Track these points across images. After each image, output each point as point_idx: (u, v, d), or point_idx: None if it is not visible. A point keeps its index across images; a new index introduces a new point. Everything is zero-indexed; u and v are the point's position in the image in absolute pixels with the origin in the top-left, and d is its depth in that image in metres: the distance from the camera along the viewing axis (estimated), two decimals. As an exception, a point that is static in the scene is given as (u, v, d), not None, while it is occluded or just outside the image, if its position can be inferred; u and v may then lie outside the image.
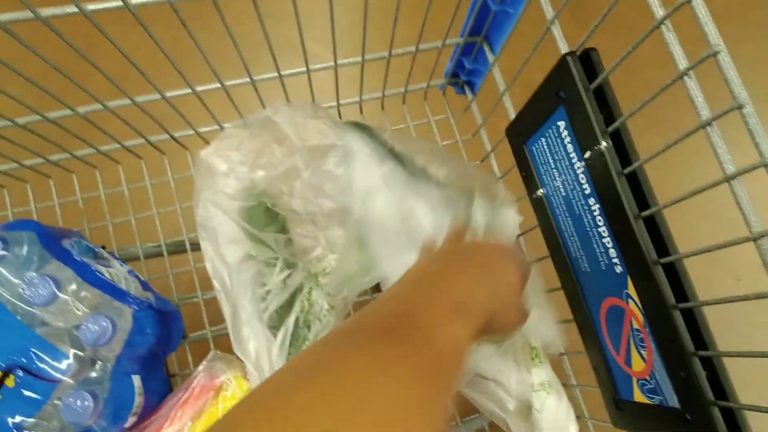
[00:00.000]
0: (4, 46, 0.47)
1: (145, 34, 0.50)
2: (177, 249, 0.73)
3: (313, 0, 0.56)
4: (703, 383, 0.40)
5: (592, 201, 0.48)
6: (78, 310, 0.50)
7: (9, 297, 0.50)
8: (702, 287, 0.41)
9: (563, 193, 0.52)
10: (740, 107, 0.31)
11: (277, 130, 0.57)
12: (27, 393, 0.49)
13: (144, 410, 0.53)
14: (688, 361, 0.40)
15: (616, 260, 0.47)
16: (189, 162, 0.74)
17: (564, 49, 0.47)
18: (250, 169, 0.58)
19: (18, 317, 0.50)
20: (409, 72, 0.71)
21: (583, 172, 0.48)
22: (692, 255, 0.40)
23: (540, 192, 0.56)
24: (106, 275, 0.54)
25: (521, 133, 0.56)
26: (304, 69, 0.65)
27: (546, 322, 0.58)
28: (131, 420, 0.52)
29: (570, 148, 0.48)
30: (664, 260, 0.42)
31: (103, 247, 0.61)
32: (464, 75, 0.74)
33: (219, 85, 0.63)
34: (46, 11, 0.46)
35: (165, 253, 0.71)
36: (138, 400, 0.52)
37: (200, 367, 0.56)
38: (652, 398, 0.47)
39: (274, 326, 0.55)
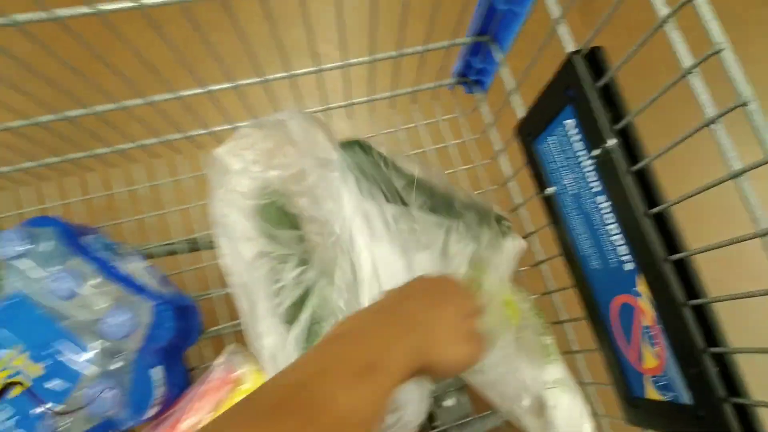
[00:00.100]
0: (23, 46, 0.48)
1: (158, 34, 0.51)
2: (193, 247, 0.74)
3: (325, 2, 0.57)
4: (714, 379, 0.40)
5: (600, 198, 0.48)
6: (100, 304, 0.52)
7: (34, 291, 0.52)
8: (718, 290, 0.41)
9: (573, 191, 0.52)
10: (745, 104, 0.31)
11: (289, 134, 0.58)
12: (53, 383, 0.51)
13: (164, 402, 0.55)
14: (699, 358, 0.41)
15: (625, 258, 0.47)
16: (204, 161, 0.76)
17: (571, 48, 0.47)
18: (263, 169, 0.59)
19: (43, 311, 0.52)
20: (418, 72, 0.72)
21: (591, 170, 0.48)
22: (702, 252, 0.40)
23: (550, 190, 0.56)
24: (126, 270, 0.55)
25: (530, 131, 0.57)
26: (315, 68, 0.66)
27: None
28: (152, 411, 0.53)
29: (578, 146, 0.49)
30: (673, 257, 0.42)
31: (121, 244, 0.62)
32: (473, 74, 0.75)
33: (231, 84, 0.64)
34: (62, 12, 0.48)
35: (182, 250, 0.72)
36: (159, 391, 0.53)
37: (219, 361, 0.57)
38: (665, 395, 0.47)
39: (289, 321, 0.56)
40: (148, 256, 0.75)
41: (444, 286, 0.46)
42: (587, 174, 0.48)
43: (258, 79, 0.65)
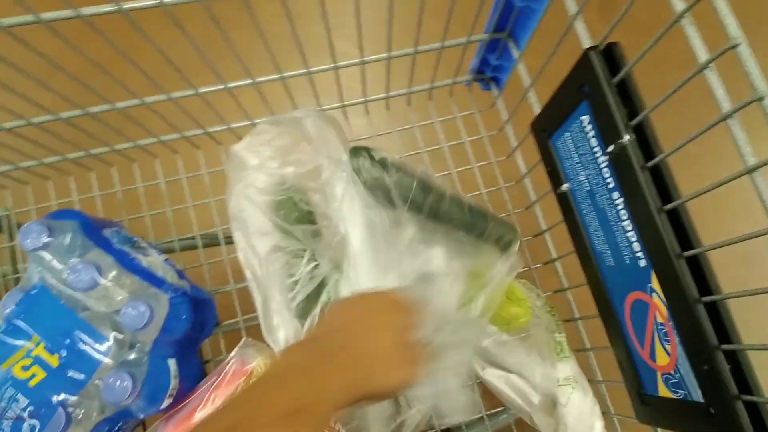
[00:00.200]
0: (48, 44, 0.50)
1: (179, 32, 0.52)
2: (210, 242, 0.75)
3: (345, 0, 0.58)
4: (726, 377, 0.40)
5: (615, 195, 0.48)
6: (118, 295, 0.53)
7: (54, 282, 0.53)
8: (737, 289, 0.40)
9: (587, 188, 0.52)
10: (761, 98, 0.31)
11: (305, 131, 0.58)
12: (70, 373, 0.52)
13: (179, 393, 0.56)
14: (711, 355, 0.40)
15: (640, 254, 0.47)
16: (222, 156, 0.77)
17: (588, 44, 0.47)
18: (280, 165, 0.60)
19: (63, 301, 0.53)
20: (435, 68, 0.72)
21: (606, 166, 0.48)
22: (715, 248, 0.40)
23: (565, 187, 0.56)
24: (144, 263, 0.56)
25: (546, 128, 0.57)
26: (332, 65, 0.66)
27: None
28: (167, 402, 0.54)
29: (594, 142, 0.49)
30: (687, 253, 0.42)
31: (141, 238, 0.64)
32: (490, 71, 0.75)
33: (250, 81, 0.65)
34: (87, 10, 0.49)
35: (199, 245, 0.74)
36: (173, 382, 0.54)
37: (233, 353, 0.58)
38: (677, 393, 0.47)
39: (302, 315, 0.57)
40: (167, 250, 0.77)
41: (380, 304, 0.45)
42: (602, 170, 0.48)
43: (276, 76, 0.66)
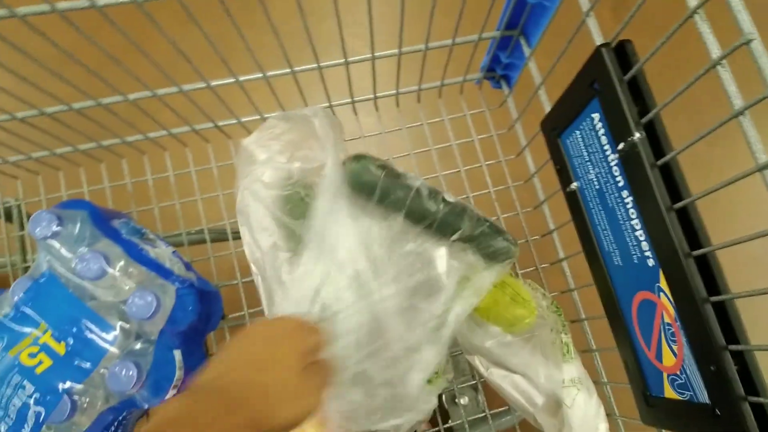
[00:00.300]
0: (62, 34, 0.50)
1: (192, 26, 0.52)
2: (218, 236, 0.76)
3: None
4: (733, 378, 0.39)
5: (625, 193, 0.47)
6: (125, 285, 0.53)
7: (63, 271, 0.54)
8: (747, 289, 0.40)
9: (597, 186, 0.52)
10: (773, 96, 0.30)
11: (314, 129, 0.58)
12: (76, 361, 0.52)
13: (183, 385, 0.56)
14: (718, 355, 0.40)
15: (648, 253, 0.46)
16: (232, 150, 0.77)
17: (600, 41, 0.47)
18: (288, 159, 0.60)
19: (71, 290, 0.54)
20: (446, 66, 0.72)
21: (616, 165, 0.48)
22: (724, 247, 0.39)
23: (574, 185, 0.56)
24: (152, 254, 0.57)
25: (556, 126, 0.57)
26: (343, 60, 0.66)
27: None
28: (171, 392, 0.54)
29: (604, 140, 0.48)
30: (696, 253, 0.41)
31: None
32: (500, 69, 0.75)
33: (261, 75, 0.65)
34: (101, 0, 0.50)
35: (207, 239, 0.74)
36: (178, 373, 0.55)
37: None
38: (683, 394, 0.46)
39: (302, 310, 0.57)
40: (175, 243, 0.77)
41: (276, 332, 0.43)
42: (612, 168, 0.48)
43: (286, 71, 0.66)
